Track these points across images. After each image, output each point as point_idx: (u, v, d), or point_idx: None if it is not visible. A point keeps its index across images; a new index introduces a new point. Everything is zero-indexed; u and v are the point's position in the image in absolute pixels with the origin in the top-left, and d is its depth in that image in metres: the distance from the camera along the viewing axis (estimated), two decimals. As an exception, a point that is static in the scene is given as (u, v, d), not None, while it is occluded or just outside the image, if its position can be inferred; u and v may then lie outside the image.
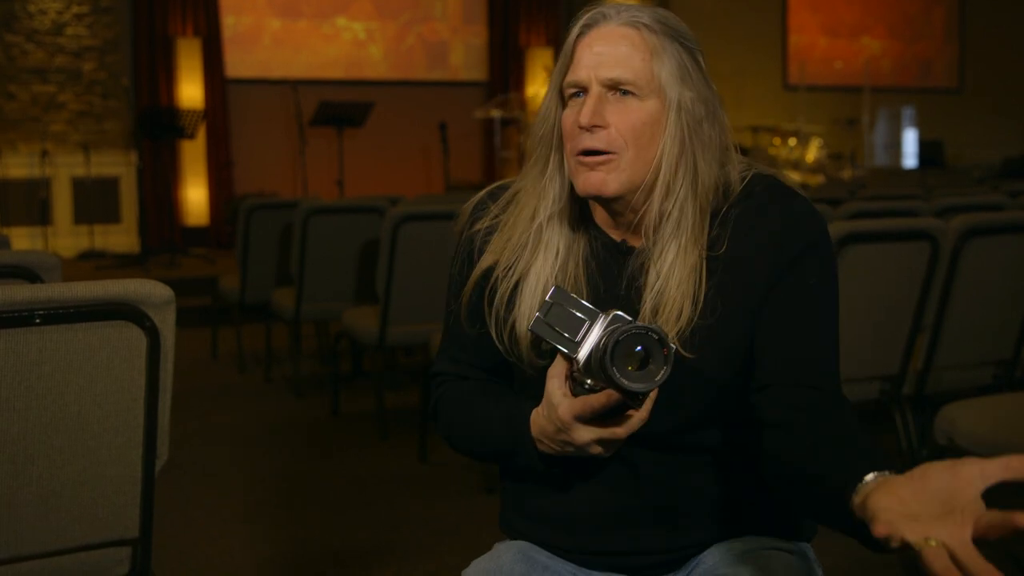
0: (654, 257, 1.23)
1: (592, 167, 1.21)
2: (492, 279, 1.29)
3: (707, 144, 1.22)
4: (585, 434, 1.14)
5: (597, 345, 1.09)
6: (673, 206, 1.22)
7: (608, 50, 1.20)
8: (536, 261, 1.27)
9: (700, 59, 1.25)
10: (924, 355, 2.83)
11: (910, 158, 12.74)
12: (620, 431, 1.13)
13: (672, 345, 1.07)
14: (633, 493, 1.26)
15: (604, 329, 1.09)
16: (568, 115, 1.23)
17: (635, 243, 1.27)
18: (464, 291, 1.33)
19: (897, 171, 11.90)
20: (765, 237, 1.22)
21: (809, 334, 1.21)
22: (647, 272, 1.23)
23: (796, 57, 12.14)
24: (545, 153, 1.28)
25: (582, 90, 1.22)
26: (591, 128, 1.20)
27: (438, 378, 1.40)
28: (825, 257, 1.25)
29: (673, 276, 1.21)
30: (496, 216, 1.33)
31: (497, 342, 1.29)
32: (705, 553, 1.29)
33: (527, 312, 1.25)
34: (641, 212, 1.24)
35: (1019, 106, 12.67)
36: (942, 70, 13.22)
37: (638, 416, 1.12)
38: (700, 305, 1.20)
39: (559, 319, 1.11)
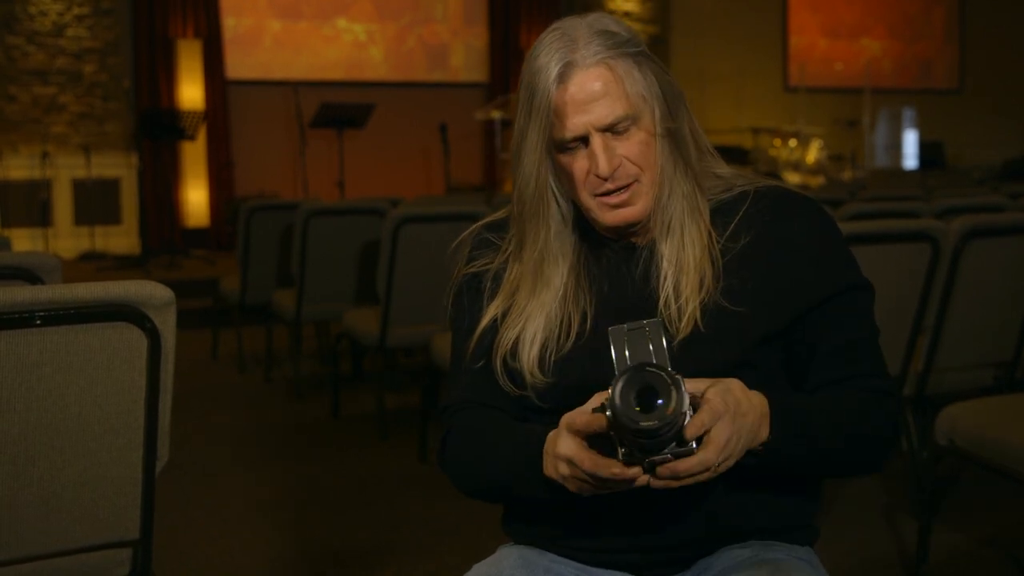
0: (664, 243, 1.28)
1: (621, 204, 1.25)
2: (500, 322, 1.32)
3: (686, 134, 1.28)
4: (564, 446, 1.13)
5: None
6: (673, 196, 1.28)
7: (591, 97, 1.22)
8: (539, 296, 1.30)
9: (649, 53, 1.28)
10: (925, 356, 2.83)
11: (910, 159, 12.74)
12: (586, 461, 1.10)
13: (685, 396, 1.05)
14: (639, 490, 1.26)
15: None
16: (574, 163, 1.26)
17: (638, 240, 1.32)
18: (472, 329, 1.35)
19: (897, 172, 11.89)
20: (793, 243, 1.29)
21: (857, 341, 1.30)
22: (660, 257, 1.28)
23: (796, 58, 12.14)
24: (543, 209, 1.29)
25: (581, 140, 1.25)
26: (611, 174, 1.24)
27: (449, 410, 1.38)
28: (850, 255, 1.34)
29: (686, 251, 1.27)
30: (500, 257, 1.36)
31: (503, 380, 1.31)
32: (713, 557, 1.30)
33: (529, 351, 1.28)
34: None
35: (1019, 107, 12.67)
36: (942, 71, 13.22)
37: (616, 469, 1.09)
38: (721, 282, 1.25)
39: (634, 345, 1.10)
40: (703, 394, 1.11)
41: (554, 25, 1.27)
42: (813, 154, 10.73)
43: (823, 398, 1.27)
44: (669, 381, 1.04)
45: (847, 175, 10.79)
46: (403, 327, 3.83)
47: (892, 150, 12.87)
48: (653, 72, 1.25)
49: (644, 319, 1.10)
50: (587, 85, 1.22)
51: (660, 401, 1.04)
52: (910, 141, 12.81)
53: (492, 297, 1.34)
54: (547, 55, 1.23)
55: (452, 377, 1.40)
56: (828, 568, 1.33)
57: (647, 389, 1.04)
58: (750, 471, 1.19)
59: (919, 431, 3.03)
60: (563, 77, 1.22)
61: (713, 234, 1.28)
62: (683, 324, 1.24)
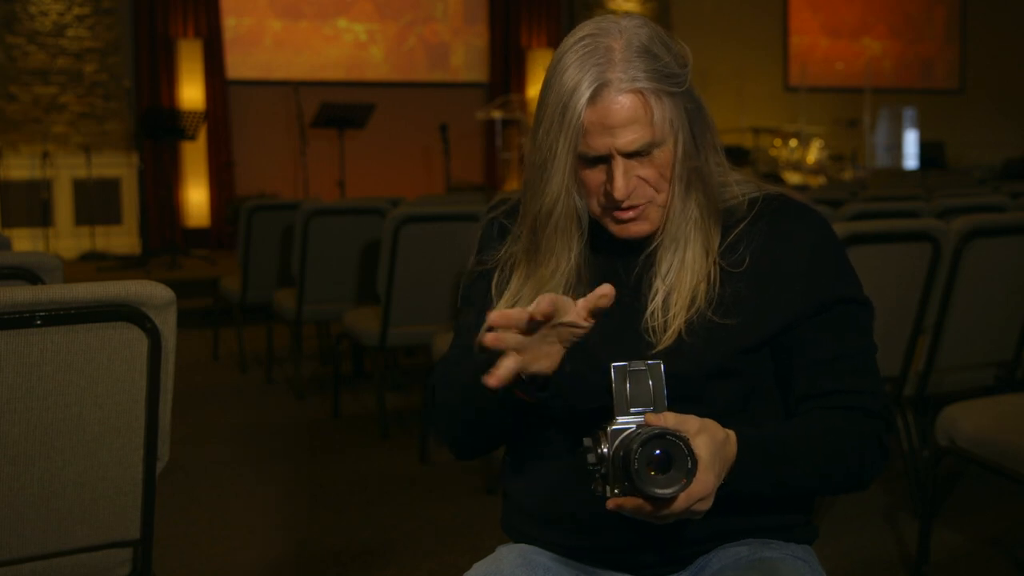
0: (664, 260, 1.27)
1: (632, 219, 1.26)
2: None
3: (707, 149, 1.27)
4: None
5: (629, 435, 1.08)
6: (682, 220, 1.27)
7: (620, 123, 1.20)
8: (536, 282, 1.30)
9: (688, 86, 1.24)
10: (925, 356, 2.83)
11: (911, 159, 12.75)
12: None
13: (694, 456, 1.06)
14: None
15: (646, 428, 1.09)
16: (592, 176, 1.24)
17: (642, 247, 1.31)
18: (476, 326, 1.33)
19: (898, 172, 11.90)
20: (789, 254, 1.27)
21: (847, 356, 1.27)
22: (658, 263, 1.27)
23: (797, 58, 12.14)
24: (570, 225, 1.27)
25: (602, 158, 1.23)
26: (626, 197, 1.23)
27: (436, 369, 1.38)
28: (848, 269, 1.31)
29: (686, 265, 1.26)
30: (510, 245, 1.35)
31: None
32: (711, 555, 1.30)
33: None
34: None
35: (1020, 107, 12.67)
36: (943, 71, 13.22)
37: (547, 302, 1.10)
38: (715, 301, 1.24)
39: (635, 385, 1.12)
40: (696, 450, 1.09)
41: (588, 29, 1.23)
42: (814, 154, 10.74)
43: (799, 430, 1.24)
44: (686, 451, 1.06)
45: (848, 175, 10.80)
46: (403, 327, 3.83)
47: (893, 150, 12.88)
48: (685, 104, 1.23)
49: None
50: (618, 111, 1.20)
51: (674, 470, 1.06)
52: (911, 141, 12.82)
53: (500, 293, 1.33)
54: (579, 69, 1.20)
55: (444, 356, 1.39)
56: (829, 568, 1.33)
57: (663, 456, 1.06)
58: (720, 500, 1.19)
59: (919, 431, 3.03)
60: (594, 97, 1.20)
61: (716, 259, 1.27)
62: (666, 336, 1.23)
